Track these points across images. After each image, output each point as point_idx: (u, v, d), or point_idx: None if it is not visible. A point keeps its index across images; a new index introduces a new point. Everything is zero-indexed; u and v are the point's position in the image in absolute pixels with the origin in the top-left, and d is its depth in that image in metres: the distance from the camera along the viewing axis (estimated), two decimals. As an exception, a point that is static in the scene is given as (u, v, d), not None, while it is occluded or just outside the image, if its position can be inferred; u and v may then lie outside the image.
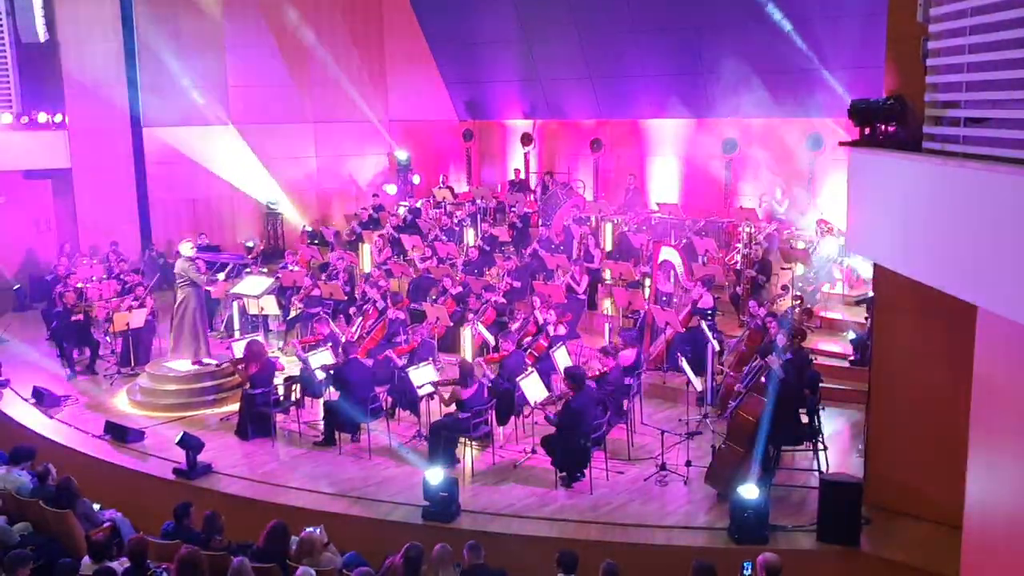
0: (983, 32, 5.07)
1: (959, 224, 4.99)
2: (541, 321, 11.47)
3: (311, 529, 6.90)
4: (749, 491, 7.47)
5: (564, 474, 8.85)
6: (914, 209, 5.71)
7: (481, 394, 9.49)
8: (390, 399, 10.58)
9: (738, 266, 13.29)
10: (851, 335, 11.38)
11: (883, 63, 7.67)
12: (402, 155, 20.25)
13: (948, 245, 5.16)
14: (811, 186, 15.05)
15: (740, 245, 13.53)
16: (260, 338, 11.72)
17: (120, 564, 6.58)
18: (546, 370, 10.39)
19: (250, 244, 17.48)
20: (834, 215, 13.74)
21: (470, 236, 16.99)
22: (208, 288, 12.39)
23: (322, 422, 10.31)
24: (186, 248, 11.76)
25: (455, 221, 17.32)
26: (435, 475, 8.11)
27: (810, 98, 14.65)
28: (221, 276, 13.70)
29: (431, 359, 10.63)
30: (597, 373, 9.75)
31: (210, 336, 12.38)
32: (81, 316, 12.86)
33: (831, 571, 7.36)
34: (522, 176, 19.36)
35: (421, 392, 9.92)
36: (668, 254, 12.31)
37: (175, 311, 11.72)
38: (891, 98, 6.88)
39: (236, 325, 13.80)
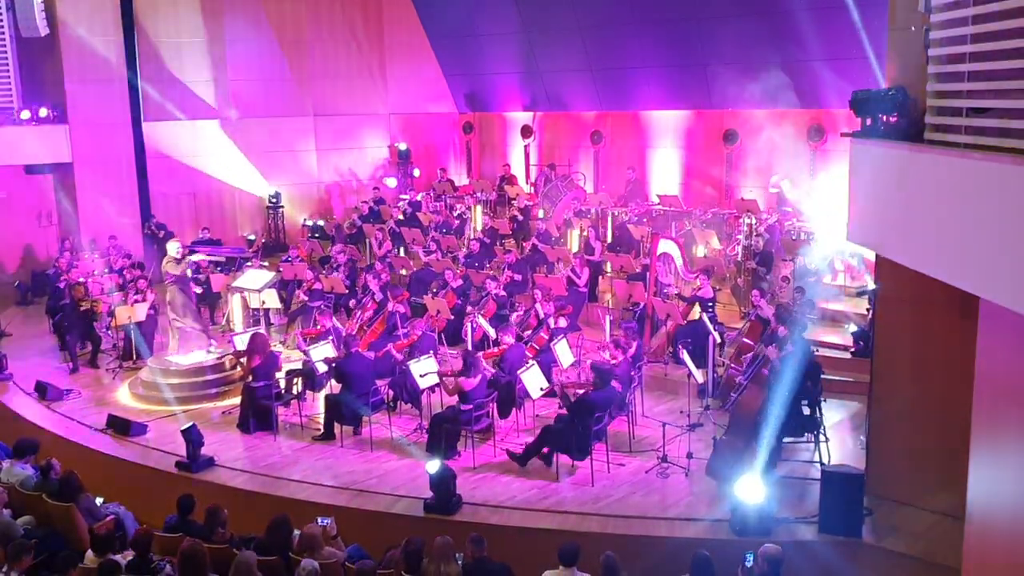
0: (985, 22, 5.05)
1: (961, 214, 4.98)
2: (542, 314, 11.47)
3: (323, 521, 6.94)
4: (751, 483, 7.47)
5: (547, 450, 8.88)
6: (916, 199, 5.70)
7: (483, 386, 9.50)
8: (391, 392, 10.59)
9: (739, 258, 13.28)
10: (853, 327, 11.37)
11: (885, 53, 7.65)
12: (402, 148, 20.24)
13: (950, 235, 5.15)
14: (812, 177, 15.01)
15: (741, 237, 13.51)
16: (262, 331, 11.73)
17: (123, 557, 6.60)
18: (547, 363, 10.39)
19: (251, 237, 17.48)
20: (836, 206, 13.71)
21: (471, 229, 16.97)
22: (174, 273, 11.65)
23: (322, 416, 10.31)
24: (172, 248, 11.76)
25: (455, 215, 17.30)
26: (433, 466, 8.13)
27: (811, 89, 14.60)
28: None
29: (432, 352, 10.63)
30: (608, 366, 9.73)
31: (211, 329, 12.38)
32: (88, 308, 12.88)
33: (833, 562, 7.36)
34: (512, 171, 19.32)
35: (424, 382, 9.92)
36: (667, 246, 12.30)
37: (170, 311, 11.73)
38: (893, 88, 6.86)
39: (238, 319, 13.80)
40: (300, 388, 10.90)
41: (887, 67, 7.57)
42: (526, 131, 19.48)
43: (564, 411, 9.02)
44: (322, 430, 10.11)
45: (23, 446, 8.70)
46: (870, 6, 12.18)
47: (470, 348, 11.69)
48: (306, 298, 13.50)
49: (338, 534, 7.05)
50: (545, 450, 9.01)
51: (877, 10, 8.58)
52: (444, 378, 9.78)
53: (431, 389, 10.10)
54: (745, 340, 10.61)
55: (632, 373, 9.89)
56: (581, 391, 9.08)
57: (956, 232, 5.05)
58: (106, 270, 15.12)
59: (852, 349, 11.08)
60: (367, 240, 16.54)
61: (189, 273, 11.91)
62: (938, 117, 5.76)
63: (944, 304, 7.06)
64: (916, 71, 6.40)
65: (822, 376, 9.39)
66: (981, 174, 4.74)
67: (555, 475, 8.85)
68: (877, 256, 8.24)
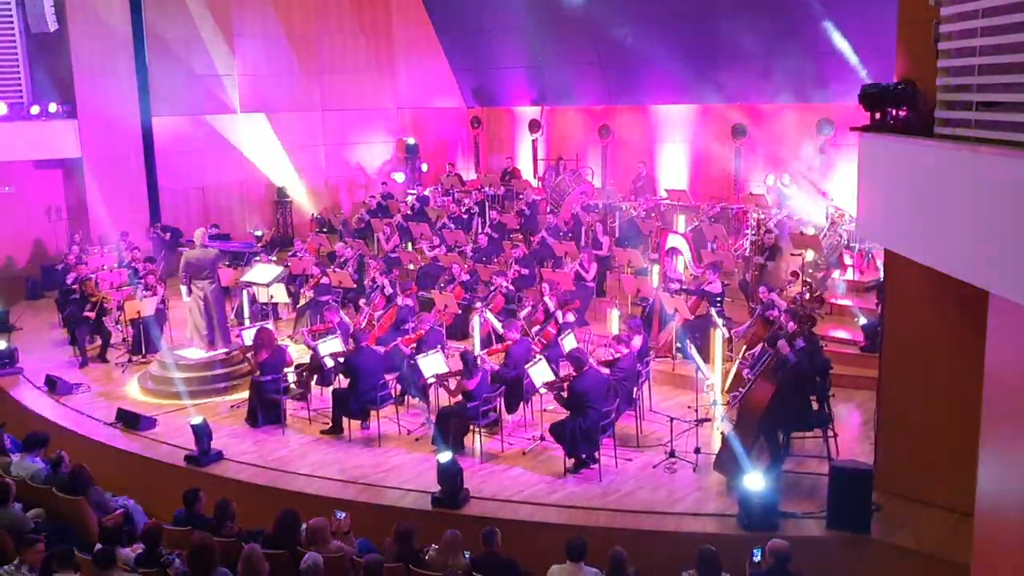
0: (995, 15, 5.02)
1: (971, 209, 4.96)
2: (550, 309, 11.46)
3: (339, 515, 7.02)
4: (757, 478, 7.46)
5: (573, 460, 8.86)
6: (925, 194, 5.68)
7: (486, 382, 9.50)
8: (399, 386, 10.61)
9: (747, 252, 13.24)
10: (862, 321, 11.33)
11: (894, 47, 7.61)
12: (410, 142, 20.24)
13: (959, 230, 5.12)
14: (821, 172, 14.97)
15: (749, 232, 13.47)
16: (270, 326, 11.76)
17: (133, 550, 6.64)
18: (555, 357, 10.38)
19: (259, 233, 17.50)
20: (844, 201, 13.66)
21: (478, 223, 16.97)
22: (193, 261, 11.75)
23: (331, 410, 10.32)
24: (199, 235, 11.78)
25: (463, 209, 17.29)
26: (444, 456, 8.14)
27: (820, 83, 14.54)
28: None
29: (440, 347, 10.64)
30: (610, 359, 9.74)
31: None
32: (93, 314, 12.92)
33: (841, 558, 7.35)
34: (516, 165, 19.30)
35: (429, 380, 9.92)
36: (675, 241, 12.27)
37: (200, 306, 11.64)
38: (902, 82, 6.82)
39: (246, 313, 13.84)
40: (307, 382, 10.93)
41: (896, 61, 7.53)
42: (534, 125, 19.46)
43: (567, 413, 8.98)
44: (330, 424, 10.14)
45: (33, 440, 8.76)
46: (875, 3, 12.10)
47: (478, 343, 11.70)
48: (311, 294, 13.53)
49: (350, 530, 7.08)
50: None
51: (886, 3, 8.49)
52: (446, 381, 9.76)
53: (437, 384, 10.11)
54: (753, 335, 10.58)
55: (639, 368, 9.88)
56: (566, 384, 9.06)
57: (965, 227, 5.03)
58: (116, 265, 15.17)
59: (861, 344, 11.04)
60: (375, 235, 16.56)
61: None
62: (948, 111, 5.72)
63: (953, 299, 7.02)
64: (926, 65, 6.36)
65: (831, 371, 9.35)
66: (991, 168, 4.72)
67: (562, 470, 8.84)
68: (886, 251, 8.21)
